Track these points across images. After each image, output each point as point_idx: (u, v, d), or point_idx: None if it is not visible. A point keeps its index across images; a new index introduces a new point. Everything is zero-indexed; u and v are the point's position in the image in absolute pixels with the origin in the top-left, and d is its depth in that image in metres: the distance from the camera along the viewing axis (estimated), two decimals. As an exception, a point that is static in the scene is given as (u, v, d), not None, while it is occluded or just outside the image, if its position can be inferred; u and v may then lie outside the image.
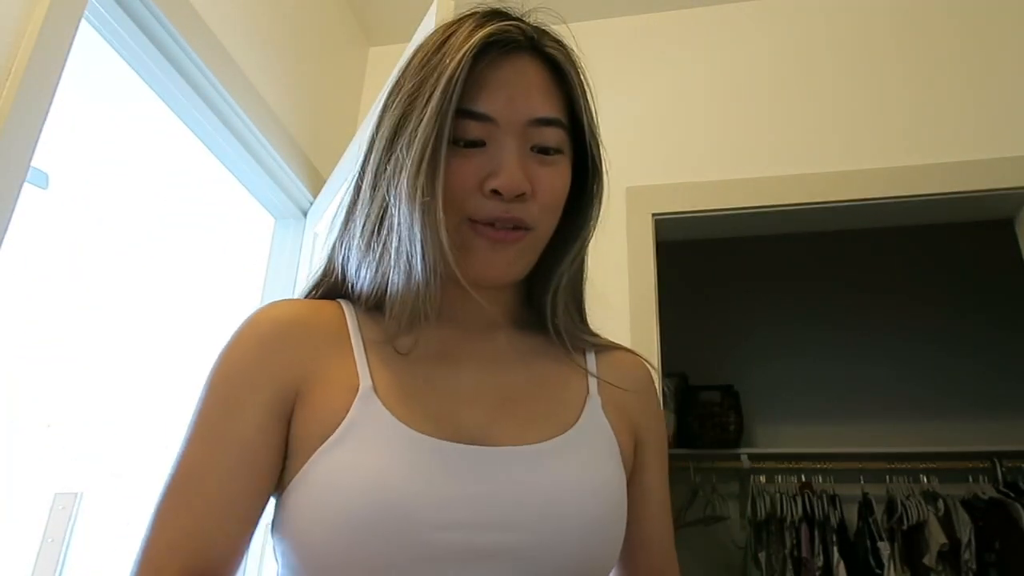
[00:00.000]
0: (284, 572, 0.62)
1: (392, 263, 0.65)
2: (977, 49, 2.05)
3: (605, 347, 0.77)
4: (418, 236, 0.62)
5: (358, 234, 0.69)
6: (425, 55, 0.67)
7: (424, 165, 0.62)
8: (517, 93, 0.66)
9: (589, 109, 0.71)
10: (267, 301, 2.15)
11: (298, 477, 0.60)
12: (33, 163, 1.16)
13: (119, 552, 1.91)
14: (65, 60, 1.22)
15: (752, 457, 3.23)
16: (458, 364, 0.69)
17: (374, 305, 0.69)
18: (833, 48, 2.16)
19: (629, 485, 0.70)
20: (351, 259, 0.70)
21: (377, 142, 0.69)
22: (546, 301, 0.72)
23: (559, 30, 0.73)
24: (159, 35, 1.51)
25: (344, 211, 0.73)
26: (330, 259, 0.74)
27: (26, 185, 1.14)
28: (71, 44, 1.23)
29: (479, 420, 0.65)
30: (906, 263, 3.45)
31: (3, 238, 1.10)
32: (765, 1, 2.26)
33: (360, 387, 0.63)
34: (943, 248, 3.36)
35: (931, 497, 2.90)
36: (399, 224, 0.64)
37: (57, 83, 1.20)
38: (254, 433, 0.61)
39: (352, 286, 0.70)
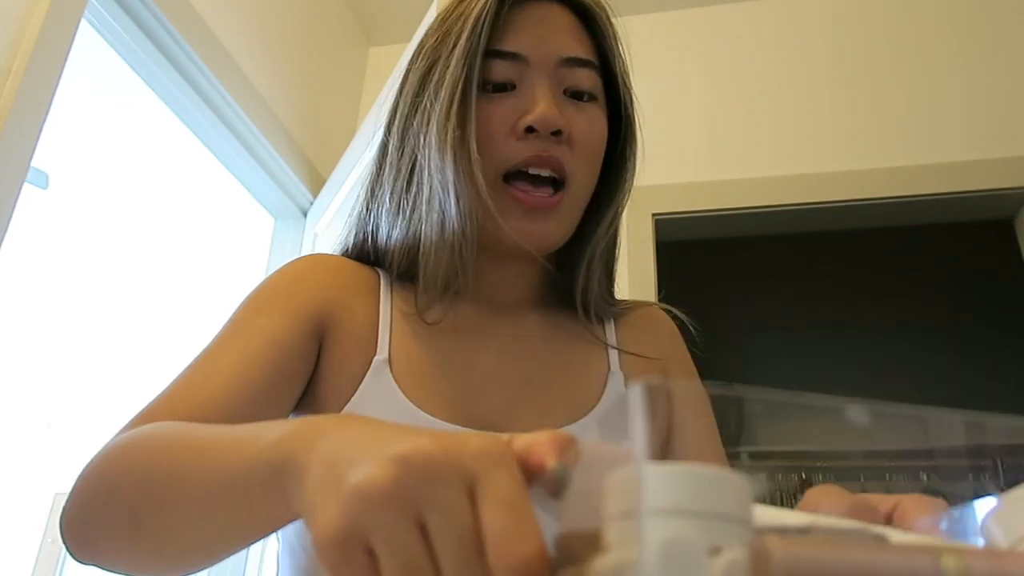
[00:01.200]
0: (284, 552, 0.61)
1: (424, 217, 0.61)
2: (976, 49, 2.05)
3: (623, 311, 0.72)
4: (451, 181, 0.59)
5: (387, 197, 0.65)
6: (447, 11, 0.65)
7: (455, 107, 0.59)
8: (548, 32, 0.63)
9: (621, 56, 0.67)
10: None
11: None
12: (33, 163, 1.16)
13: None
14: (65, 60, 1.22)
15: (752, 455, 3.23)
16: (481, 343, 0.65)
17: (405, 272, 0.65)
18: (832, 48, 2.15)
19: (669, 446, 0.64)
20: (381, 225, 0.66)
21: (402, 100, 0.66)
22: (578, 275, 0.67)
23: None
24: (159, 35, 1.51)
25: (368, 181, 0.69)
26: (357, 229, 0.70)
27: (26, 185, 1.14)
28: (71, 44, 1.24)
29: (496, 406, 0.62)
30: (906, 263, 3.45)
31: (3, 238, 1.10)
32: (765, 2, 2.26)
33: (375, 358, 0.60)
34: (943, 248, 3.36)
35: (931, 495, 2.90)
36: (430, 173, 0.60)
37: (57, 83, 1.20)
38: (285, 333, 0.58)
39: (382, 254, 0.67)
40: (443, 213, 0.60)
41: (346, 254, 0.71)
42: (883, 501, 0.34)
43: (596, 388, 0.65)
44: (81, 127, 2.38)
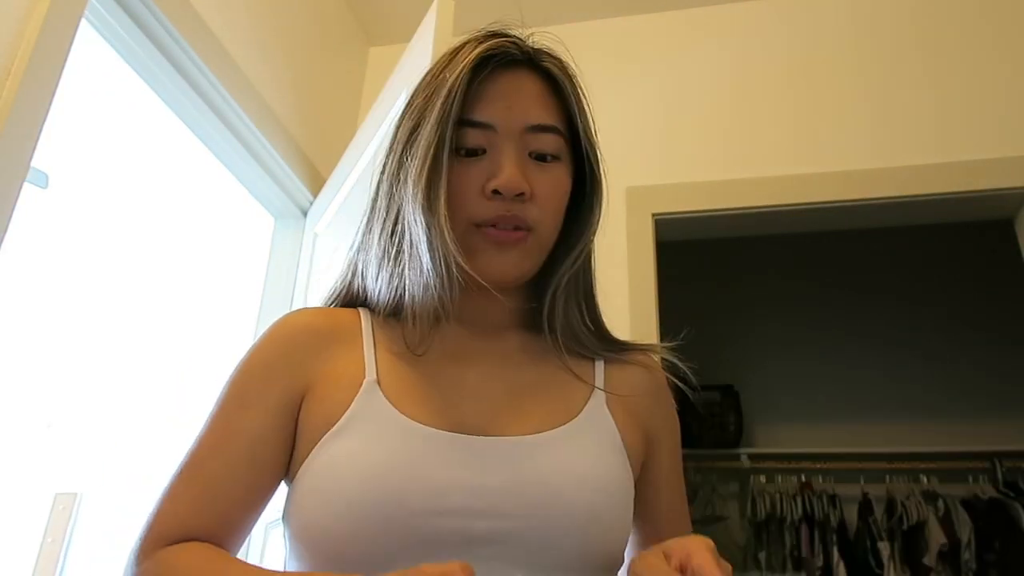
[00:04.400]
0: (291, 556, 0.65)
1: (407, 262, 0.68)
2: (977, 48, 2.05)
3: (615, 356, 0.77)
4: (424, 238, 0.66)
5: (376, 240, 0.73)
6: (434, 75, 0.72)
7: (427, 171, 0.66)
8: (515, 102, 0.70)
9: (586, 119, 0.74)
10: (267, 300, 2.14)
11: (304, 466, 0.63)
12: (33, 163, 1.16)
13: (119, 552, 1.91)
14: (65, 60, 1.22)
15: (752, 457, 3.23)
16: (466, 362, 0.71)
17: (392, 311, 0.71)
18: (833, 48, 2.16)
19: (641, 483, 0.72)
20: (370, 264, 0.73)
21: (392, 152, 0.73)
22: (545, 301, 0.74)
23: (560, 52, 0.76)
24: (159, 35, 1.51)
25: (362, 222, 0.76)
26: (351, 265, 0.77)
27: (26, 185, 1.14)
28: (71, 44, 1.23)
29: (482, 413, 0.66)
30: (906, 263, 3.45)
31: (3, 238, 1.10)
32: (765, 2, 2.26)
33: (364, 380, 0.66)
34: (943, 248, 3.36)
35: (931, 497, 2.90)
36: (411, 227, 0.68)
37: (57, 83, 1.20)
38: (262, 428, 0.65)
39: (370, 293, 0.74)
40: (420, 260, 0.67)
41: (334, 295, 0.78)
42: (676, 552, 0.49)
43: (578, 402, 0.71)
44: (81, 127, 2.38)
